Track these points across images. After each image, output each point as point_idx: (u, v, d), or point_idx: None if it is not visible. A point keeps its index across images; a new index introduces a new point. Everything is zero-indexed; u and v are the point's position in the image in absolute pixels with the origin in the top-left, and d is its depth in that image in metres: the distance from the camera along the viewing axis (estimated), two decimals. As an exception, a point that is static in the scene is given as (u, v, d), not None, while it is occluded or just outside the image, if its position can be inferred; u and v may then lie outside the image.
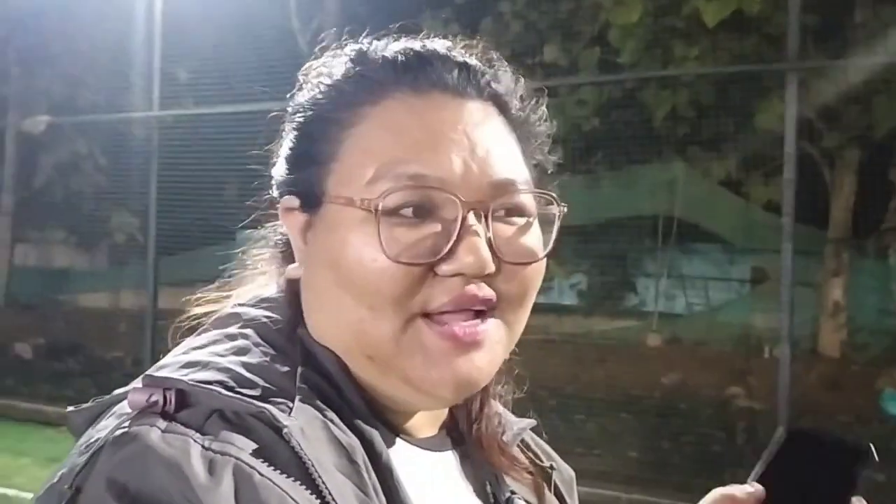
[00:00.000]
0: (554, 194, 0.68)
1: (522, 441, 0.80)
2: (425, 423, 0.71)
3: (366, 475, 0.60)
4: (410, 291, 0.62)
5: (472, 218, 0.63)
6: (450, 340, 0.63)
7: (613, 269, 10.84)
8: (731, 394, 8.33)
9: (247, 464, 0.56)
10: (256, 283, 0.76)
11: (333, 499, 0.56)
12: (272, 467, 0.56)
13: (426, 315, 0.63)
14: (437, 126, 0.65)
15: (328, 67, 0.72)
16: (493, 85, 0.70)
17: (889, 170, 8.37)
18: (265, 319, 0.69)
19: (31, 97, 10.98)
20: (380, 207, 0.62)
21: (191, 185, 8.64)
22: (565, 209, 0.68)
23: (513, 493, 0.74)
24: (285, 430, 0.58)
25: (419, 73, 0.67)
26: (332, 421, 0.62)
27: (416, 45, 0.70)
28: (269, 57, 8.78)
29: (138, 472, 0.54)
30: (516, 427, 0.78)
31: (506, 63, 0.72)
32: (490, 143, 0.66)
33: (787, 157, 5.01)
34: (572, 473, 0.82)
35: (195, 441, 0.56)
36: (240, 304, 0.72)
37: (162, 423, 0.57)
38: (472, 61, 0.70)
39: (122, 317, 10.79)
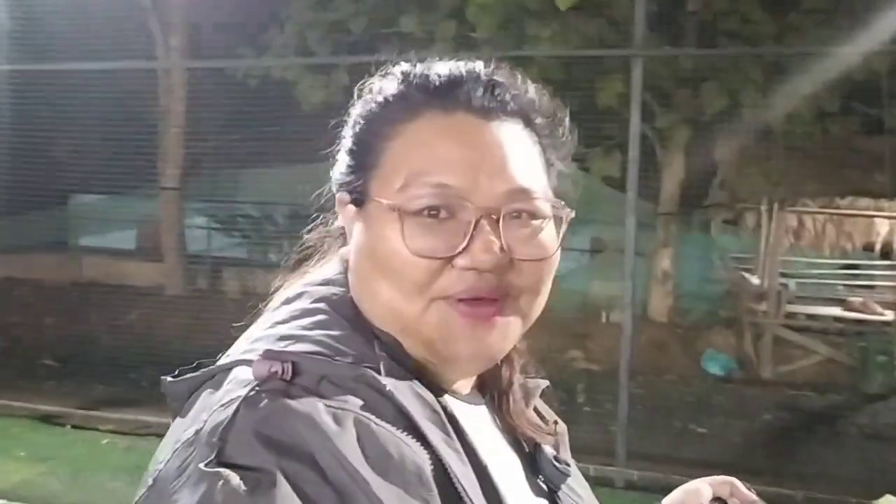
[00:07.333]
0: (562, 202, 0.80)
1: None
2: (463, 382, 0.83)
3: (447, 423, 0.72)
4: (430, 279, 0.74)
5: (485, 221, 0.74)
6: (469, 319, 0.74)
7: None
8: (570, 357, 8.88)
9: (364, 416, 0.66)
10: (322, 263, 0.87)
11: (436, 444, 0.68)
12: (381, 420, 0.66)
13: (445, 299, 0.75)
14: (459, 142, 0.75)
15: (381, 85, 0.82)
16: (518, 101, 0.80)
17: (714, 150, 9.13)
18: (334, 296, 0.79)
19: None
20: (403, 209, 0.74)
21: (25, 143, 8.09)
22: (573, 214, 0.81)
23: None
24: (388, 388, 0.69)
25: (449, 94, 0.78)
26: (411, 381, 0.73)
27: (450, 67, 0.80)
28: (111, 15, 8.33)
29: (278, 424, 0.63)
30: (532, 387, 0.91)
31: (531, 82, 0.83)
32: (508, 155, 0.76)
33: (632, 137, 5.38)
34: (565, 427, 0.95)
35: (318, 399, 0.66)
36: (307, 284, 0.82)
37: (287, 387, 0.67)
38: (500, 80, 0.80)
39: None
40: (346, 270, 0.82)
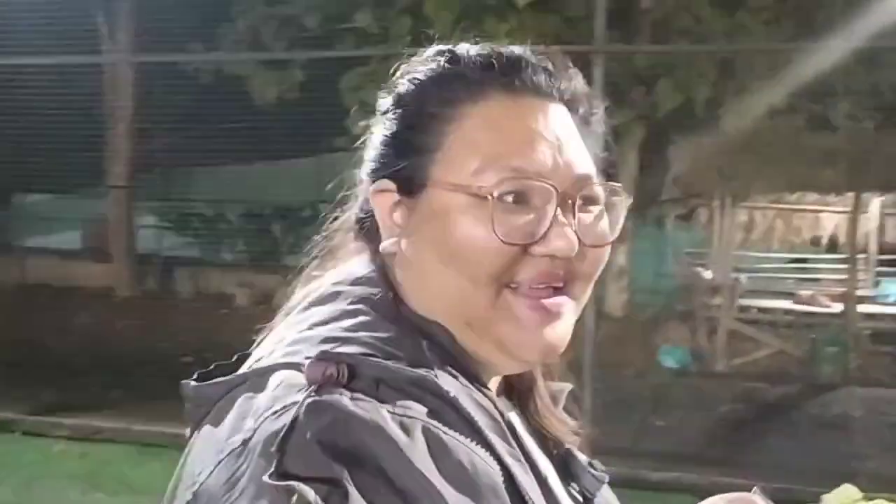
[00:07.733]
0: (622, 187, 0.78)
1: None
2: (496, 385, 0.79)
3: (507, 430, 0.68)
4: (507, 267, 0.71)
5: (562, 206, 0.72)
6: (538, 311, 0.72)
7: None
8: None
9: (432, 424, 0.61)
10: (345, 261, 0.80)
11: (501, 454, 0.64)
12: (447, 428, 0.62)
13: (510, 285, 0.72)
14: (531, 125, 0.73)
15: (423, 67, 0.77)
16: (569, 89, 0.78)
17: (668, 147, 9.26)
18: (373, 296, 0.73)
19: None
20: (494, 194, 0.70)
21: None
22: (631, 200, 0.78)
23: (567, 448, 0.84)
24: (452, 395, 0.64)
25: (514, 76, 0.75)
26: (467, 385, 0.69)
27: (507, 49, 0.77)
28: (55, 9, 8.10)
29: (343, 432, 0.58)
30: (557, 390, 0.87)
31: (575, 69, 0.80)
32: (571, 141, 0.75)
33: (593, 134, 5.41)
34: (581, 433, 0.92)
35: (381, 406, 0.60)
36: (337, 283, 0.76)
37: (347, 392, 0.61)
38: (552, 67, 0.78)
39: None
40: (381, 267, 0.77)
